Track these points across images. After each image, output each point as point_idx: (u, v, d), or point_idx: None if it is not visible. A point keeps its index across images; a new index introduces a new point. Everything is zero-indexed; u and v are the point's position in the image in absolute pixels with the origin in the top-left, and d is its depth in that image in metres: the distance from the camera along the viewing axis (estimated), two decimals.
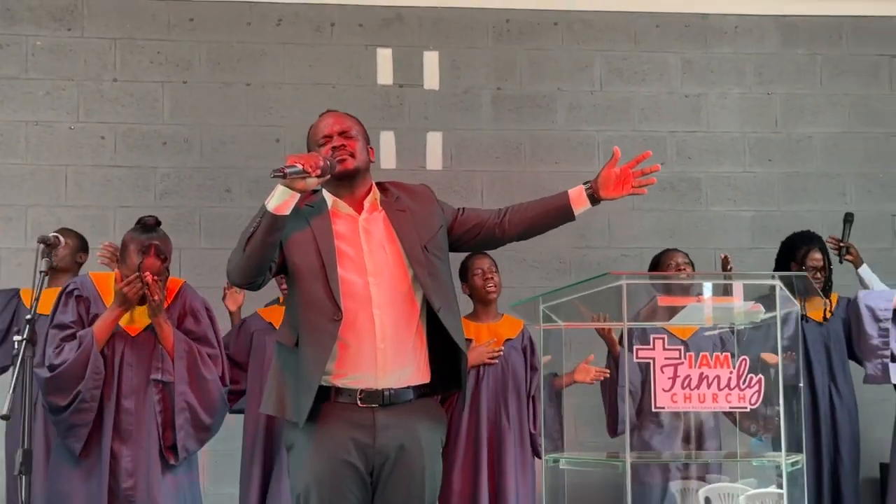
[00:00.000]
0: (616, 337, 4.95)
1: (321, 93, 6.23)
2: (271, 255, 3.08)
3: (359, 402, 3.10)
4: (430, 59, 6.40)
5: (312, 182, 3.01)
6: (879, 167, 6.62)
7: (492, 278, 4.96)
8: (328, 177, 3.07)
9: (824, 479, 5.42)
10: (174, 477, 4.26)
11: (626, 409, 4.36)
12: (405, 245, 3.17)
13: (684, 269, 5.15)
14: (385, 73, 6.36)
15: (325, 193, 3.23)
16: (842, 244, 5.76)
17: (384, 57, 6.36)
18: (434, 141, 6.35)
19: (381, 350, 3.10)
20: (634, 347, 3.91)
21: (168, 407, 4.20)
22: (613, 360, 4.98)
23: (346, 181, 3.21)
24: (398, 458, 3.11)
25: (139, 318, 4.24)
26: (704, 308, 4.03)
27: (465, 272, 4.98)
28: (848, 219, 5.85)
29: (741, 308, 3.91)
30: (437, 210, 3.31)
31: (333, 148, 3.18)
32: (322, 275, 3.09)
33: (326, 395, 3.09)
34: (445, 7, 6.42)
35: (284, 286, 4.08)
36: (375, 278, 3.13)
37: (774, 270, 5.46)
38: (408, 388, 3.15)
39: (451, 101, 6.39)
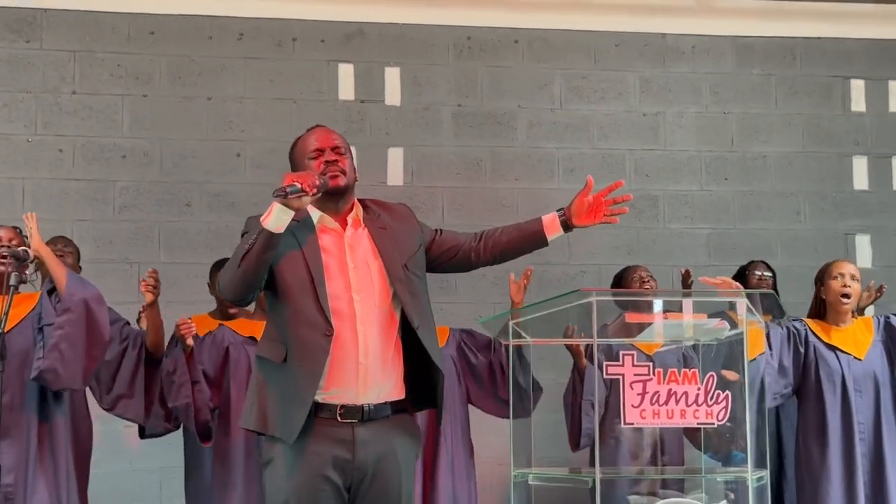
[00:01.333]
0: (582, 350, 4.99)
1: (282, 108, 6.23)
2: (265, 272, 3.09)
3: (339, 417, 3.10)
4: (392, 75, 6.41)
5: (307, 200, 3.04)
6: (832, 186, 6.73)
7: None
8: (320, 195, 3.09)
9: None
10: (55, 476, 4.19)
11: (595, 423, 4.38)
12: (387, 262, 3.20)
13: (648, 282, 5.24)
14: (346, 88, 6.36)
15: (311, 208, 3.22)
16: None
17: (346, 72, 6.37)
18: (395, 156, 6.36)
19: (363, 365, 3.11)
20: (605, 363, 3.93)
21: None
22: (578, 374, 5.00)
23: (333, 197, 3.22)
24: (375, 474, 3.13)
25: (12, 313, 4.16)
26: (673, 325, 4.07)
27: None
28: None
29: (707, 325, 3.97)
30: (417, 230, 3.34)
31: (326, 162, 3.21)
32: (311, 290, 3.10)
33: (308, 411, 3.08)
34: (407, 24, 6.44)
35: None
36: (360, 294, 3.14)
37: None
38: (386, 403, 3.16)
39: (412, 117, 6.41)
